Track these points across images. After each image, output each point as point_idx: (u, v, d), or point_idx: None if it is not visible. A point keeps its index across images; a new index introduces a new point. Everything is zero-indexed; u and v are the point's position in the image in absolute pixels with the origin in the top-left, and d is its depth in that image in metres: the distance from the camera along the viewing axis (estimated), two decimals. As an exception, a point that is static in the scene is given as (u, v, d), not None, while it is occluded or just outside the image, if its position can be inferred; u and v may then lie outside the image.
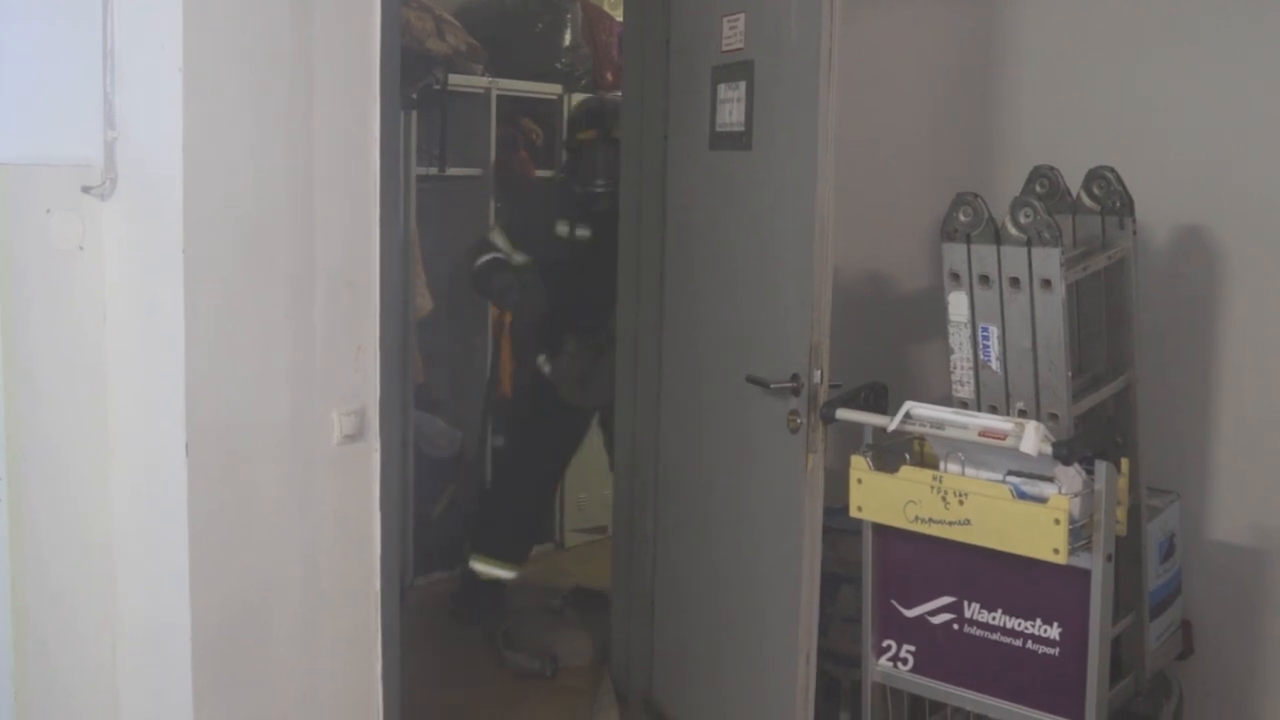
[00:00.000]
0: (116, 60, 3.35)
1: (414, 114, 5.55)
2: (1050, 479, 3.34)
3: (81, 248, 3.42)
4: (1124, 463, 3.45)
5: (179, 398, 3.32)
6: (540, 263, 5.73)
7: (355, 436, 3.62)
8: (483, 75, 5.87)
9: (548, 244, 5.65)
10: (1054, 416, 3.57)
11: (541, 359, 5.84)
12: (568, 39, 6.26)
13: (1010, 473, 3.39)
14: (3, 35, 3.70)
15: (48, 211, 3.36)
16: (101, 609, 3.56)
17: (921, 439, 3.61)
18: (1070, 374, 3.56)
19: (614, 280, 4.98)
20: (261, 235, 3.41)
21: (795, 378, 3.71)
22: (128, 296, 3.44)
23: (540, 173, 6.62)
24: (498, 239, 5.67)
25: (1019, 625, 3.49)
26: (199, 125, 3.26)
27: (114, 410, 3.51)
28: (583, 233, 5.61)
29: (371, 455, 3.67)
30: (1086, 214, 3.84)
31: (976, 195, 3.56)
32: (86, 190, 3.40)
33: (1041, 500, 3.32)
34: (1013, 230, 3.49)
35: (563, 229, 5.62)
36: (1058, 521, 3.28)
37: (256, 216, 3.40)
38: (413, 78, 5.23)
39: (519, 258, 5.65)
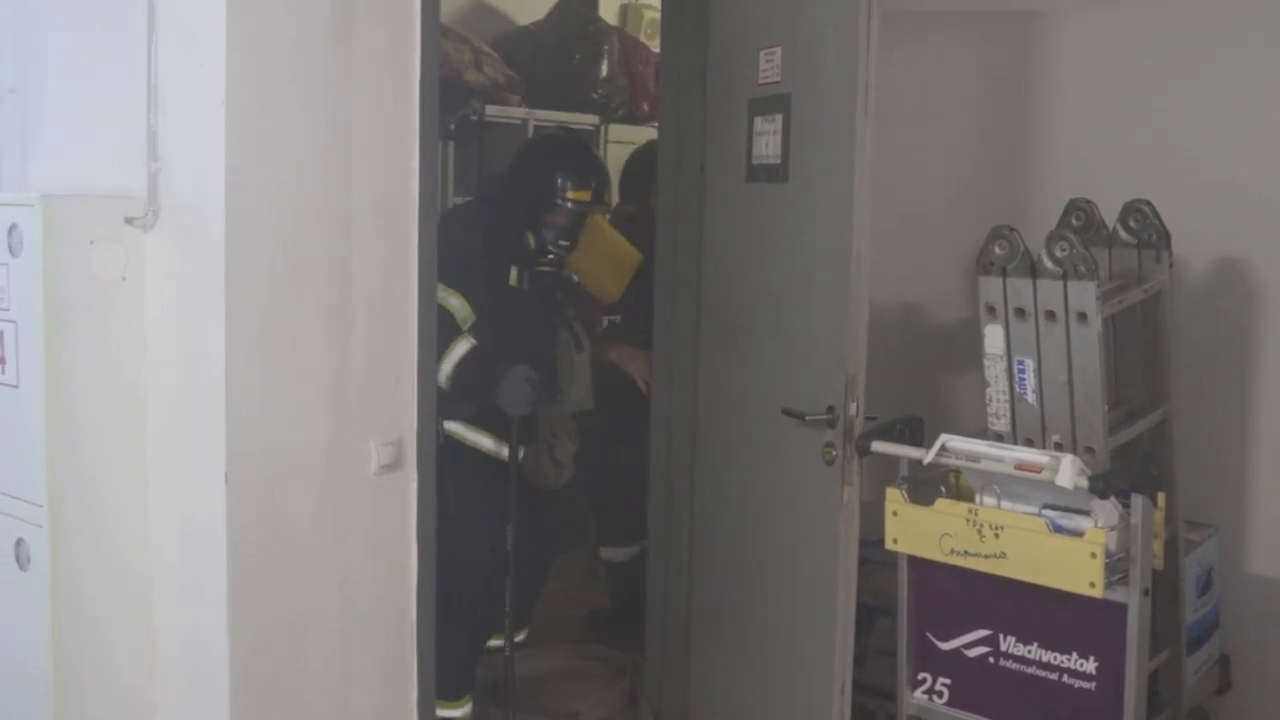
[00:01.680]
0: (160, 93, 3.40)
1: (451, 144, 5.58)
2: (1086, 512, 3.33)
3: (124, 278, 3.46)
4: (1160, 496, 3.45)
5: (219, 427, 3.35)
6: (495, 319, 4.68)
7: (393, 466, 3.64)
8: (520, 106, 5.90)
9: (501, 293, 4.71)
10: (1090, 450, 3.56)
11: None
12: (605, 70, 6.27)
13: (1046, 506, 3.39)
14: (48, 68, 3.76)
15: (91, 242, 3.40)
16: (139, 636, 3.59)
17: (957, 472, 3.61)
18: (1106, 407, 3.55)
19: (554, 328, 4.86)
20: (301, 266, 3.44)
21: (831, 410, 3.71)
22: (168, 326, 3.48)
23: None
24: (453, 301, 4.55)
25: (1055, 659, 3.48)
26: (241, 157, 3.30)
27: (153, 439, 3.54)
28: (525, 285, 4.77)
29: (409, 485, 3.70)
30: (1123, 247, 3.84)
31: (1012, 229, 3.56)
32: (129, 221, 3.44)
33: (1078, 534, 3.32)
34: (1049, 263, 3.49)
35: (513, 276, 4.74)
36: (1094, 555, 3.27)
37: (296, 247, 3.43)
38: (450, 109, 5.26)
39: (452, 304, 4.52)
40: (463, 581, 4.44)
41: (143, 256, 3.47)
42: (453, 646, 4.47)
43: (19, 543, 3.48)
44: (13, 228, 3.40)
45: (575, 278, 5.02)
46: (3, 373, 3.49)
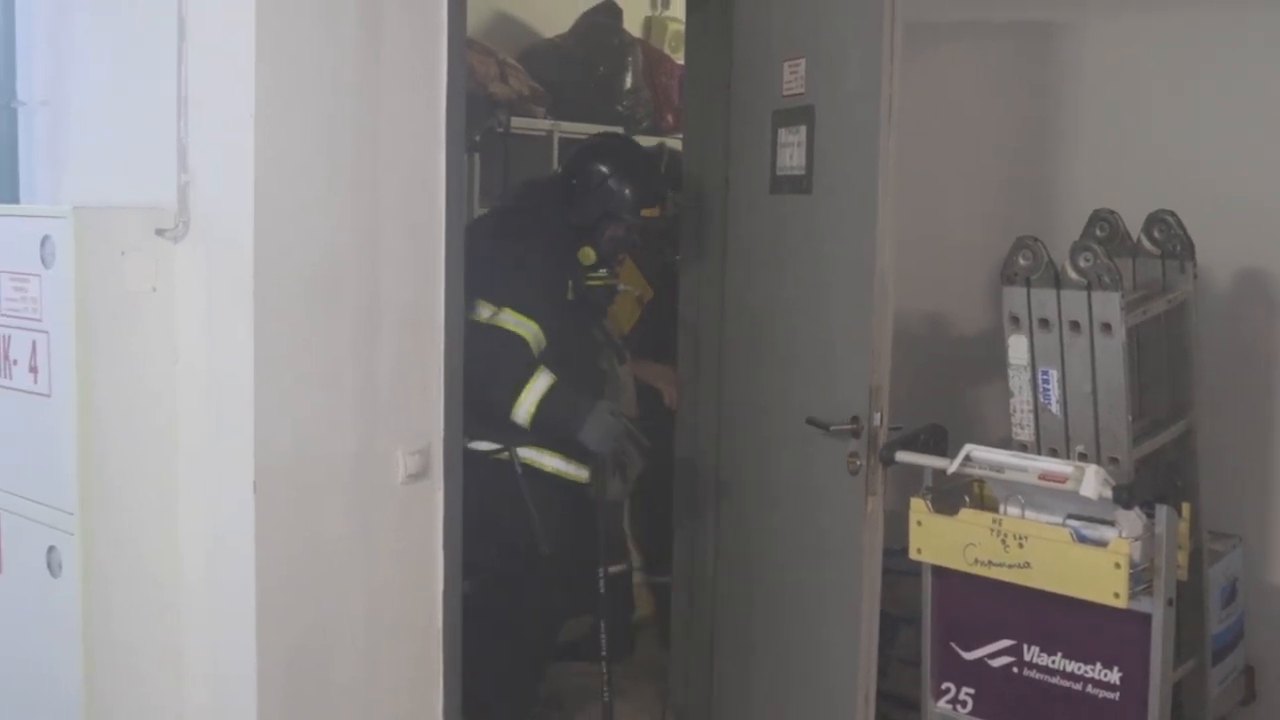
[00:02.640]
0: (189, 106, 3.43)
1: (477, 156, 5.60)
2: (1110, 523, 3.34)
3: (154, 289, 3.49)
4: (1185, 507, 3.45)
5: (248, 437, 3.38)
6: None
7: (419, 475, 3.66)
8: (545, 118, 5.92)
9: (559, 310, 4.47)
10: (1114, 460, 3.57)
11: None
12: (629, 82, 6.29)
13: (1070, 516, 3.40)
14: (79, 81, 3.80)
15: (122, 253, 3.44)
16: (167, 644, 3.61)
17: (981, 482, 3.61)
18: (1131, 418, 3.56)
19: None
20: (329, 276, 3.47)
21: (855, 420, 3.72)
22: (198, 336, 3.51)
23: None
24: (528, 328, 4.35)
25: (1079, 669, 3.49)
26: (270, 169, 3.33)
27: (183, 448, 3.57)
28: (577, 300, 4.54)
29: (435, 494, 3.72)
30: (1147, 257, 3.84)
31: (1036, 239, 3.57)
32: (160, 233, 3.47)
33: (1102, 544, 3.32)
34: (1073, 274, 3.50)
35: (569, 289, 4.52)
36: (1118, 565, 3.28)
37: (325, 258, 3.46)
38: (476, 121, 5.28)
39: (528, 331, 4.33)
40: (532, 612, 4.59)
41: (172, 267, 3.50)
42: (516, 679, 4.64)
43: (50, 550, 3.51)
44: (45, 239, 3.44)
45: (620, 286, 4.80)
46: (35, 382, 3.52)
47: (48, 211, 3.55)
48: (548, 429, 4.33)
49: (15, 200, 3.86)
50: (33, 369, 3.53)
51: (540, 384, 4.28)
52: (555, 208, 4.55)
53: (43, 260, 3.45)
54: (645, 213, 4.53)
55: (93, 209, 3.44)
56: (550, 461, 4.49)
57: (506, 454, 4.42)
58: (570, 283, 4.47)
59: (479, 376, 3.98)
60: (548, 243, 4.47)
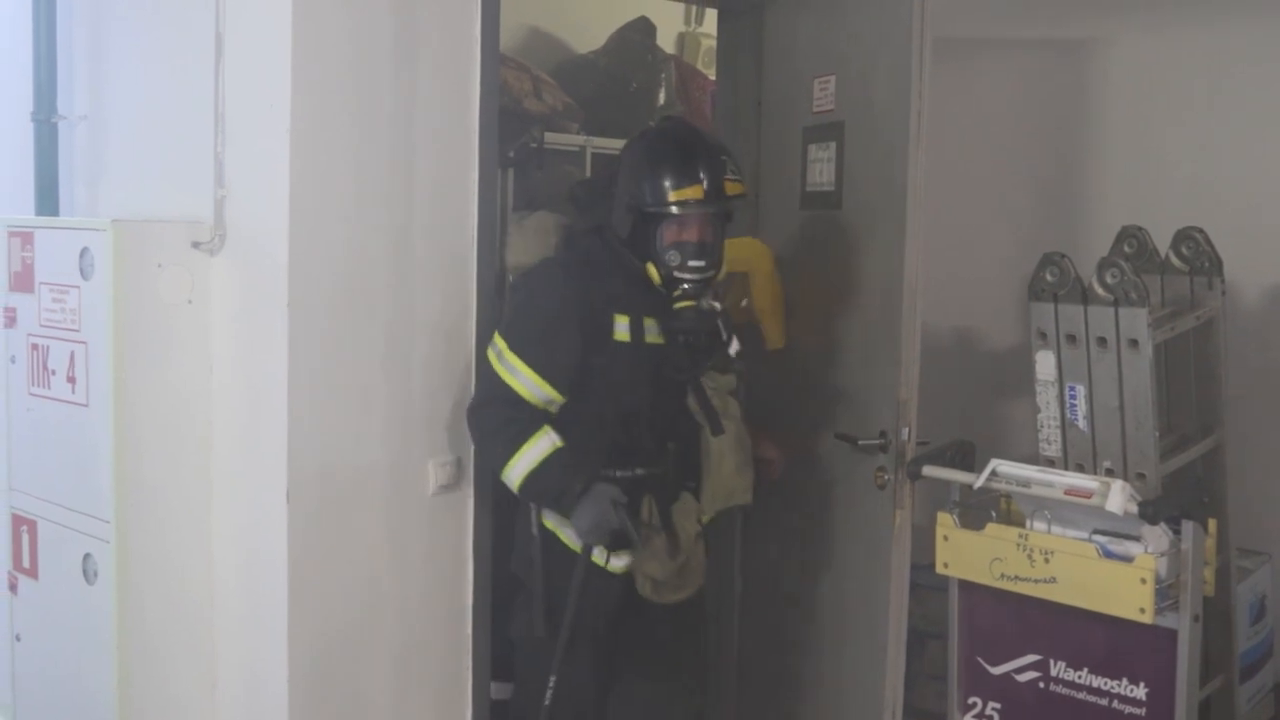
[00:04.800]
0: (227, 122, 3.48)
1: (510, 171, 5.63)
2: (1136, 538, 3.35)
3: (190, 301, 3.54)
4: (1211, 523, 3.45)
5: (281, 446, 3.42)
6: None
7: (450, 486, 3.70)
8: (578, 134, 5.95)
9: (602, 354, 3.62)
10: (1141, 476, 3.57)
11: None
12: (662, 98, 6.31)
13: (1096, 531, 3.41)
14: (119, 97, 3.85)
15: (159, 266, 3.49)
16: (200, 651, 3.66)
17: (1008, 497, 3.62)
18: (1158, 433, 3.56)
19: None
20: (362, 289, 3.51)
21: (883, 435, 3.74)
22: (233, 348, 3.55)
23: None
24: (520, 379, 3.54)
25: (1105, 685, 3.49)
26: (305, 184, 3.37)
27: (217, 457, 3.61)
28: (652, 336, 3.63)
29: (466, 504, 3.76)
30: (1175, 274, 3.85)
31: (1064, 255, 3.59)
32: (196, 245, 3.52)
33: (1128, 559, 3.33)
34: (1100, 290, 3.51)
35: (620, 328, 3.61)
36: (1144, 581, 3.28)
37: (358, 271, 3.50)
38: (510, 136, 5.31)
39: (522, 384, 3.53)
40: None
41: (209, 280, 3.55)
42: None
43: (86, 557, 3.56)
44: (84, 251, 3.49)
45: (718, 306, 3.65)
46: (72, 392, 3.58)
47: (87, 224, 3.60)
48: (537, 503, 3.63)
49: (55, 213, 3.91)
50: (70, 379, 3.58)
51: (533, 453, 3.50)
52: (588, 222, 3.74)
53: (81, 272, 3.51)
54: (678, 195, 3.51)
55: (131, 222, 3.50)
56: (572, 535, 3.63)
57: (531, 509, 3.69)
58: (629, 318, 3.57)
59: (475, 427, 3.60)
60: (560, 274, 3.63)
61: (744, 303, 4.21)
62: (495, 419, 3.54)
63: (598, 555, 3.61)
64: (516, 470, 3.50)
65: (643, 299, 3.59)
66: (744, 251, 4.12)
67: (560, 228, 3.84)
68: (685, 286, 3.55)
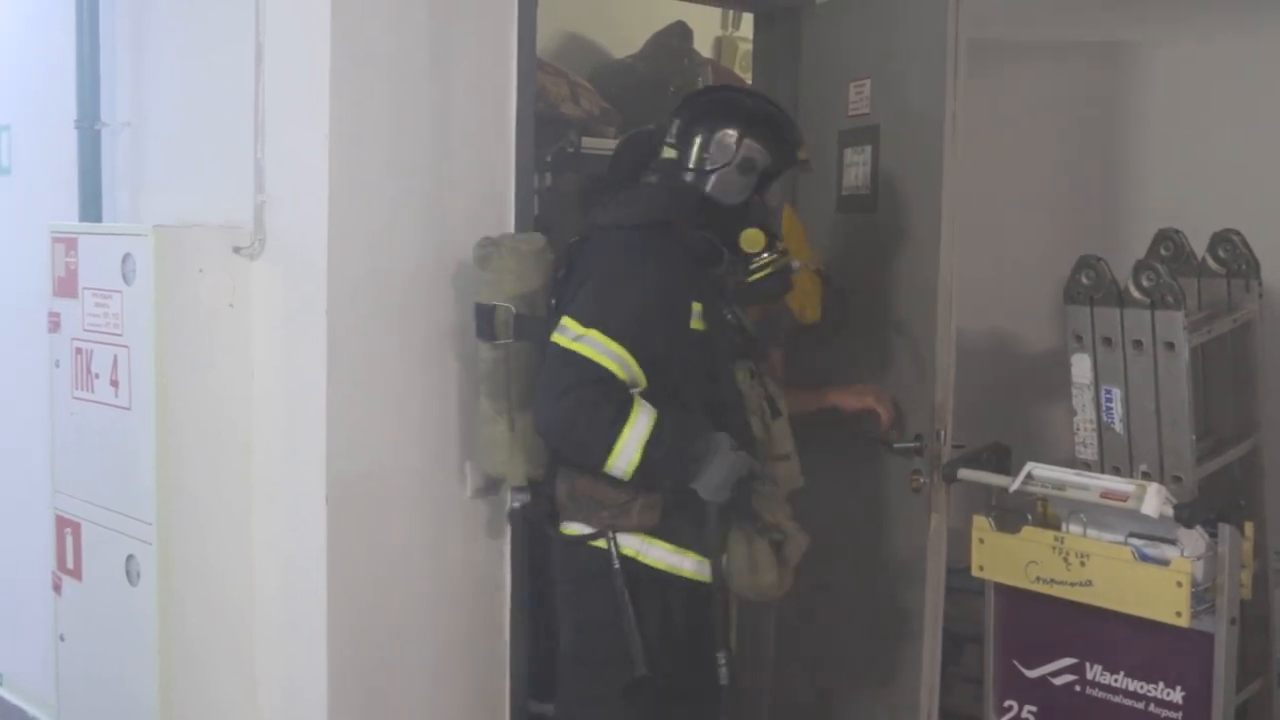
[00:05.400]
0: (267, 128, 3.52)
1: (548, 176, 5.66)
2: (1173, 541, 3.34)
3: (231, 305, 3.59)
4: (1248, 526, 3.44)
5: (321, 450, 3.45)
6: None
7: (488, 489, 3.71)
8: (615, 138, 5.96)
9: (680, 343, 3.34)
10: (1178, 479, 3.57)
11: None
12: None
13: (1132, 534, 3.40)
14: (160, 104, 3.90)
15: (200, 271, 3.54)
16: (241, 652, 3.70)
17: (1043, 500, 3.62)
18: (1194, 436, 3.56)
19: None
20: (401, 293, 3.54)
21: (918, 438, 3.75)
22: (273, 352, 3.60)
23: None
24: (609, 356, 3.22)
25: (1141, 688, 3.48)
26: (344, 189, 3.41)
27: (258, 460, 3.66)
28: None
29: (503, 507, 3.77)
30: (1212, 277, 3.84)
31: (1099, 258, 3.59)
32: (237, 251, 3.57)
33: (1164, 563, 3.32)
34: (1136, 293, 3.51)
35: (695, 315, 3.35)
36: (1180, 584, 3.27)
37: (396, 275, 3.53)
38: (547, 141, 5.34)
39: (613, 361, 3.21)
40: None
41: (249, 284, 3.59)
42: None
43: (129, 559, 3.61)
44: (126, 257, 3.54)
45: (795, 264, 3.49)
46: (116, 395, 3.63)
47: (129, 230, 3.66)
48: (655, 479, 3.25)
49: (98, 219, 3.96)
50: (113, 382, 3.63)
51: (641, 422, 3.17)
52: (690, 207, 3.41)
53: (124, 277, 3.56)
54: (804, 152, 3.51)
55: (172, 228, 3.55)
56: (659, 554, 3.35)
57: (604, 541, 3.34)
58: (702, 307, 3.32)
59: (558, 421, 3.22)
60: (656, 249, 3.32)
61: None
62: (585, 402, 3.17)
63: (693, 569, 3.34)
64: (629, 446, 3.16)
65: (706, 282, 3.38)
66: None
67: (550, 246, 3.52)
68: (782, 250, 3.44)
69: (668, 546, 3.34)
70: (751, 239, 3.39)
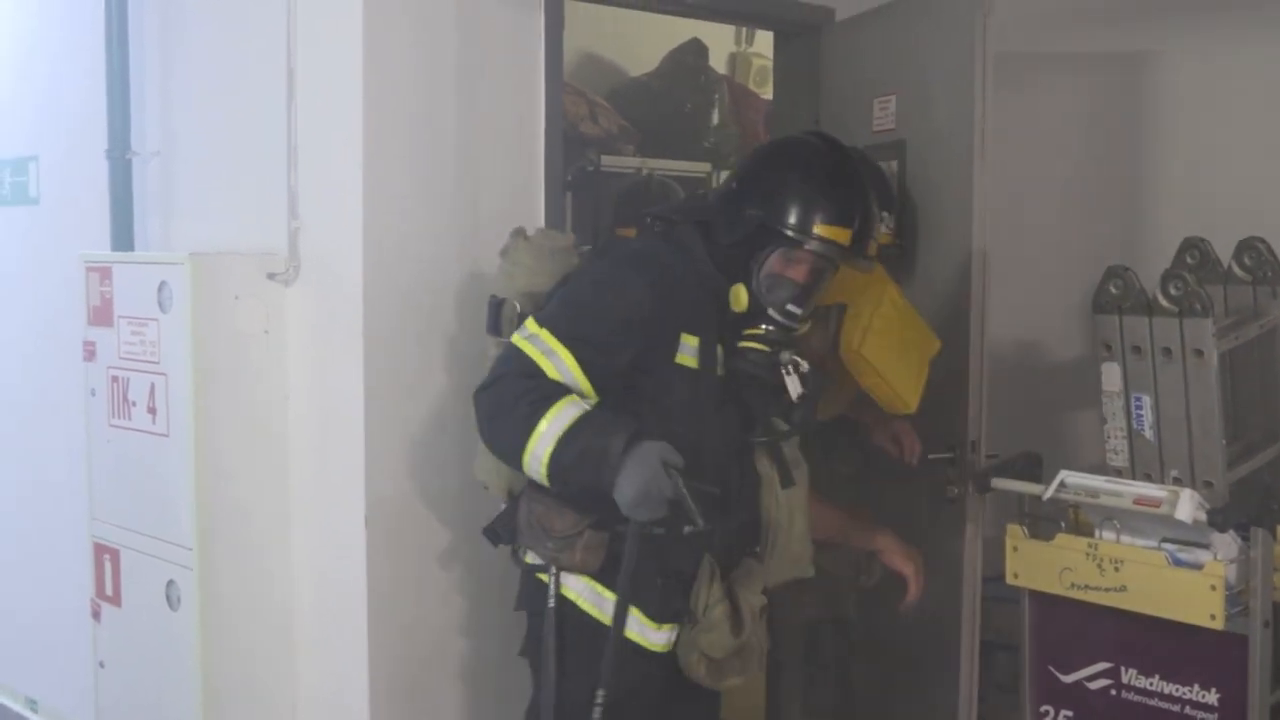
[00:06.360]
0: (299, 155, 3.55)
1: (569, 195, 5.70)
2: (1205, 545, 3.36)
3: (266, 331, 3.62)
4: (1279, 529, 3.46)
5: (359, 472, 3.49)
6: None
7: (525, 508, 3.73)
8: (634, 155, 6.01)
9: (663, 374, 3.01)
10: (1209, 484, 3.58)
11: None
12: (715, 118, 6.37)
13: (1165, 540, 3.42)
14: (190, 133, 3.94)
15: (235, 298, 3.57)
16: (282, 675, 3.73)
17: (1076, 507, 3.64)
18: (1224, 442, 3.57)
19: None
20: (435, 317, 3.58)
21: (952, 448, 3.77)
22: (308, 376, 3.63)
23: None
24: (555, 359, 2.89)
25: (1177, 691, 3.49)
26: (378, 215, 3.45)
27: (295, 484, 3.69)
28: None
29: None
30: (1238, 284, 3.85)
31: (1127, 268, 3.61)
32: (271, 277, 3.61)
33: (1197, 566, 3.34)
34: (1164, 302, 3.53)
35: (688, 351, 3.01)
36: (1214, 588, 3.29)
37: (431, 297, 3.57)
38: (568, 160, 5.38)
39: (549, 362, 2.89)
40: None
41: (284, 310, 3.63)
42: None
43: (170, 584, 3.64)
44: (162, 285, 3.58)
45: (805, 366, 3.10)
46: (153, 423, 3.66)
47: (164, 258, 3.70)
48: (570, 482, 2.84)
49: (130, 248, 4.00)
50: (151, 410, 3.66)
51: (562, 417, 2.78)
52: (696, 226, 3.11)
53: (160, 305, 3.59)
54: (823, 231, 3.00)
55: (207, 255, 3.58)
56: (601, 603, 2.99)
57: (547, 575, 3.03)
58: (700, 340, 2.99)
59: (481, 412, 2.93)
60: (652, 269, 3.00)
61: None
62: (510, 391, 2.85)
63: (634, 630, 2.97)
64: (544, 439, 2.77)
65: (717, 322, 3.03)
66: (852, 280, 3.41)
67: (576, 248, 3.30)
68: (769, 328, 3.02)
69: (613, 596, 2.97)
70: (736, 295, 3.03)
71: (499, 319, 3.20)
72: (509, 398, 2.85)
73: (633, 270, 3.00)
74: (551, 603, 2.99)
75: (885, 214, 3.72)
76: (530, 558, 3.08)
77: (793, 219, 2.99)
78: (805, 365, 3.09)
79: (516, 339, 2.92)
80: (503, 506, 3.22)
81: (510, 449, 2.86)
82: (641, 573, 2.92)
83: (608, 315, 2.94)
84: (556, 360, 2.86)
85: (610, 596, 2.96)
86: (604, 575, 2.97)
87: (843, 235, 3.03)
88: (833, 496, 3.52)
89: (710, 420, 3.03)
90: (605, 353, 2.92)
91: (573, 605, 2.99)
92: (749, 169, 3.16)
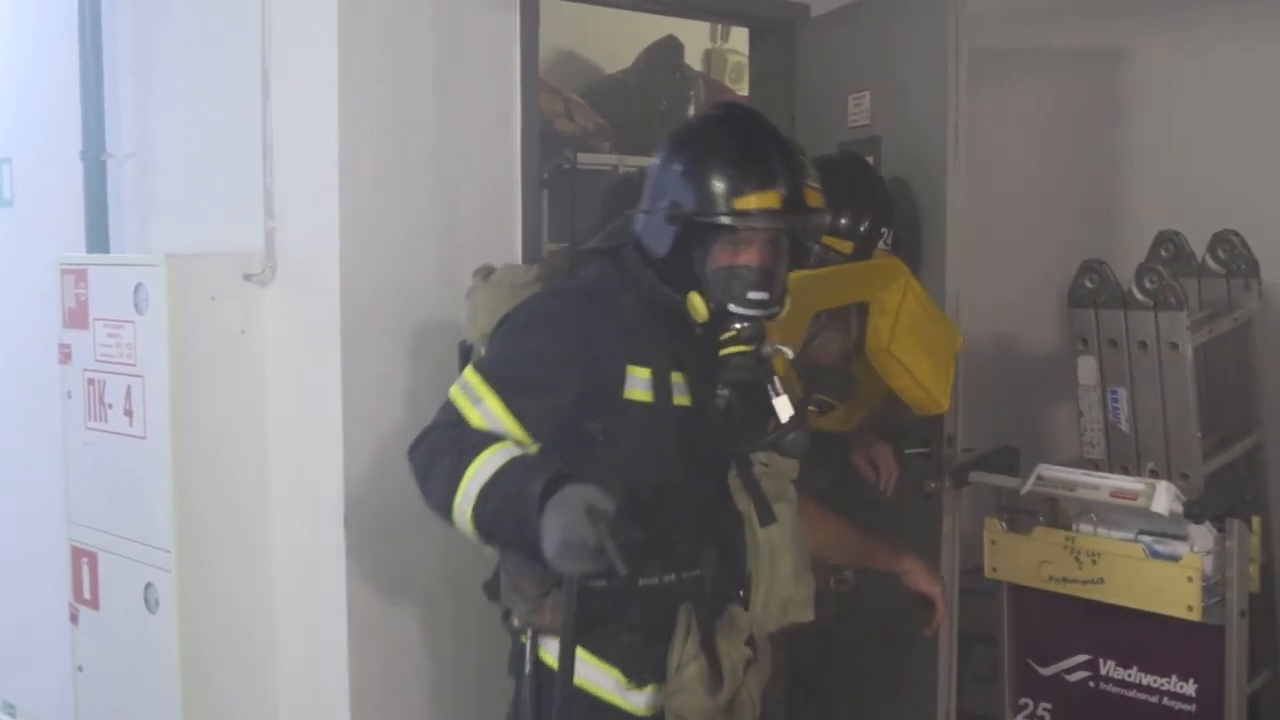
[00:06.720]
0: (274, 155, 3.55)
1: (545, 193, 5.69)
2: (1182, 537, 3.38)
3: (243, 331, 3.61)
4: (1255, 520, 3.48)
5: (337, 473, 3.49)
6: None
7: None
8: (610, 153, 6.00)
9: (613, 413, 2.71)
10: (1185, 476, 3.60)
11: None
12: (691, 114, 6.36)
13: (1142, 532, 3.44)
14: (165, 134, 3.93)
15: (212, 298, 3.56)
16: (262, 677, 3.72)
17: (1054, 500, 3.66)
18: (1200, 434, 3.60)
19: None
20: (413, 317, 3.58)
21: (928, 443, 3.78)
22: (287, 376, 3.62)
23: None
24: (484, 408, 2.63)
25: (1155, 682, 3.51)
26: (354, 213, 3.45)
27: (274, 485, 3.68)
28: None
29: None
30: (1212, 277, 3.88)
31: (1102, 262, 3.63)
32: (248, 277, 3.60)
33: (1174, 558, 3.36)
34: (1139, 295, 3.55)
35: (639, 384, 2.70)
36: (1191, 579, 3.31)
37: (408, 298, 3.57)
38: (543, 158, 5.37)
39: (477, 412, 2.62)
40: None
41: (261, 311, 3.62)
42: None
43: (148, 587, 3.63)
44: (138, 287, 3.57)
45: (788, 352, 2.74)
46: (130, 425, 3.65)
47: (140, 260, 3.69)
48: (496, 535, 2.58)
49: (105, 250, 3.98)
50: (128, 412, 3.65)
51: (487, 466, 2.51)
52: (636, 248, 2.78)
53: (136, 307, 3.58)
54: (741, 202, 2.63)
55: (183, 256, 3.57)
56: (585, 671, 2.70)
57: (525, 637, 2.80)
58: (653, 370, 2.68)
59: (414, 476, 2.66)
60: (583, 301, 2.73)
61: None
62: (437, 445, 2.61)
63: (612, 692, 2.73)
64: (467, 492, 2.51)
65: (672, 348, 2.71)
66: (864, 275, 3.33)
67: (545, 271, 3.01)
68: (739, 326, 2.65)
69: (591, 660, 2.71)
70: (693, 305, 2.66)
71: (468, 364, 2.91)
72: (436, 452, 2.60)
73: (564, 303, 2.73)
74: (528, 668, 2.76)
75: (885, 230, 3.57)
76: (515, 619, 2.84)
77: (710, 203, 2.64)
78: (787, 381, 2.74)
79: (452, 389, 2.67)
80: None
81: (441, 505, 2.58)
82: (608, 628, 2.69)
83: (540, 355, 2.65)
84: (483, 408, 2.60)
85: (589, 661, 2.69)
86: (580, 638, 2.62)
87: (771, 199, 2.64)
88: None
89: (673, 458, 2.71)
90: (540, 394, 2.63)
91: (550, 672, 2.70)
92: (653, 171, 2.78)
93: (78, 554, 3.91)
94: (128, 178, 4.02)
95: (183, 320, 3.53)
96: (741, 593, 2.81)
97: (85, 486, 3.89)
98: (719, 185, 2.63)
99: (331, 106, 3.41)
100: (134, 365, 3.63)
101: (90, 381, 3.78)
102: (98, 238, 4.00)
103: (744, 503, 2.79)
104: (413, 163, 3.58)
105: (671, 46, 6.31)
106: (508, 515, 2.46)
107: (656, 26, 6.14)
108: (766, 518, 2.78)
